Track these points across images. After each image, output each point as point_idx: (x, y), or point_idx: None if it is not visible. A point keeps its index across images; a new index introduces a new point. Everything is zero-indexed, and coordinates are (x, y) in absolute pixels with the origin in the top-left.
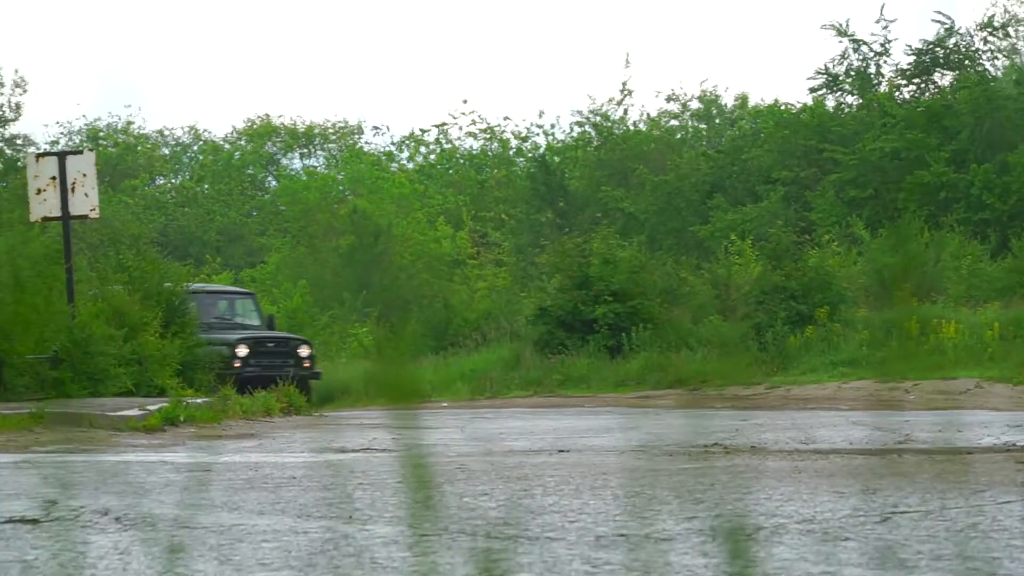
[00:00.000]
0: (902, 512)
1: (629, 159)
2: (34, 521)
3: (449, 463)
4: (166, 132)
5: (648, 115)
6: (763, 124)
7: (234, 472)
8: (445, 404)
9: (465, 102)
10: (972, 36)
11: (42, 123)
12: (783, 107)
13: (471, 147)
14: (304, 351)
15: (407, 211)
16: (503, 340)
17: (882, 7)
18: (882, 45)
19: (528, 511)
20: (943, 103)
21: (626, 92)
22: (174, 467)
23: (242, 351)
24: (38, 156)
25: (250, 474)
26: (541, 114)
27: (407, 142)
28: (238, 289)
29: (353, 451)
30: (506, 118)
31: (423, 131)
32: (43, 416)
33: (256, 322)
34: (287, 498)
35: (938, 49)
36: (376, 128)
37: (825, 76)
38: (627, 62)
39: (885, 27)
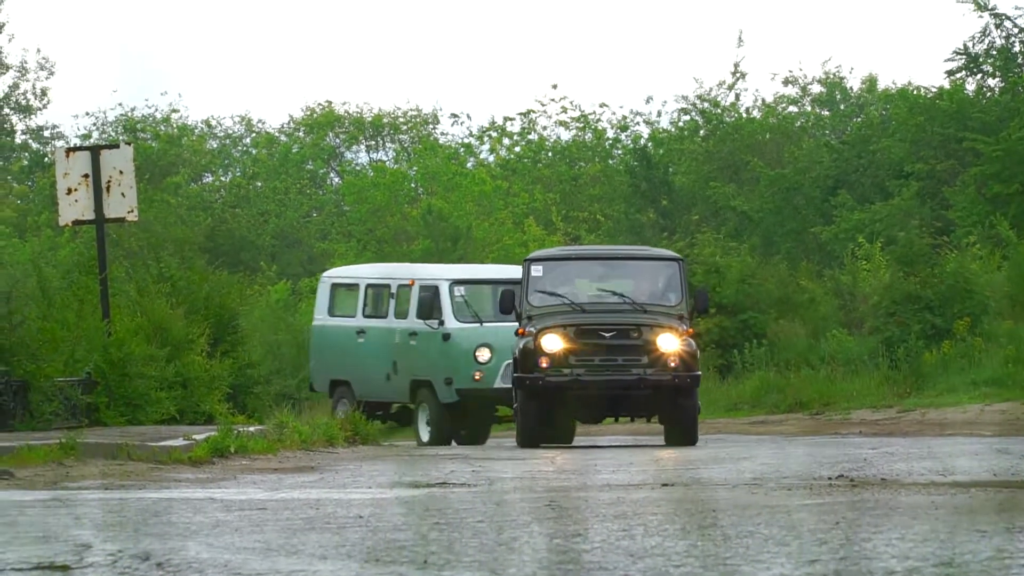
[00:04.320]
0: None
1: (741, 151)
2: (64, 568)
3: (537, 499)
4: (213, 123)
5: (763, 101)
6: (894, 111)
7: (292, 510)
8: None
9: (555, 87)
10: None
11: (72, 113)
12: (916, 91)
13: (561, 138)
14: (668, 343)
15: (489, 211)
16: None
17: None
18: None
19: (628, 554)
20: None
21: (738, 75)
22: (224, 505)
23: (550, 343)
24: (68, 151)
25: (310, 513)
26: (649, 99)
27: (488, 133)
28: (662, 253)
29: (428, 486)
30: (602, 105)
31: (507, 120)
32: (75, 447)
33: (674, 300)
34: (353, 540)
35: None
36: (454, 116)
37: (964, 56)
38: (740, 40)
39: None
